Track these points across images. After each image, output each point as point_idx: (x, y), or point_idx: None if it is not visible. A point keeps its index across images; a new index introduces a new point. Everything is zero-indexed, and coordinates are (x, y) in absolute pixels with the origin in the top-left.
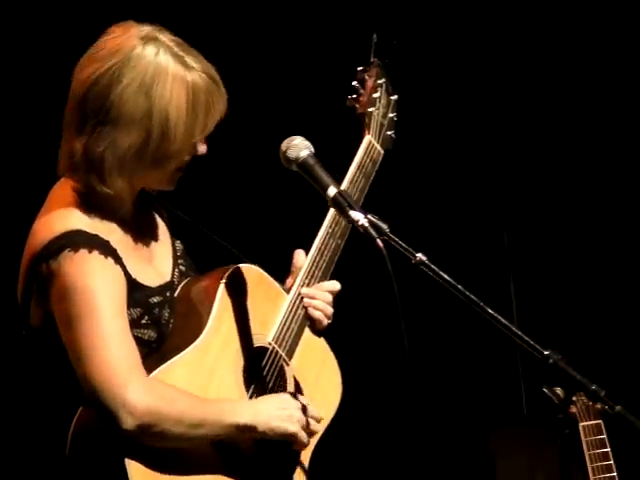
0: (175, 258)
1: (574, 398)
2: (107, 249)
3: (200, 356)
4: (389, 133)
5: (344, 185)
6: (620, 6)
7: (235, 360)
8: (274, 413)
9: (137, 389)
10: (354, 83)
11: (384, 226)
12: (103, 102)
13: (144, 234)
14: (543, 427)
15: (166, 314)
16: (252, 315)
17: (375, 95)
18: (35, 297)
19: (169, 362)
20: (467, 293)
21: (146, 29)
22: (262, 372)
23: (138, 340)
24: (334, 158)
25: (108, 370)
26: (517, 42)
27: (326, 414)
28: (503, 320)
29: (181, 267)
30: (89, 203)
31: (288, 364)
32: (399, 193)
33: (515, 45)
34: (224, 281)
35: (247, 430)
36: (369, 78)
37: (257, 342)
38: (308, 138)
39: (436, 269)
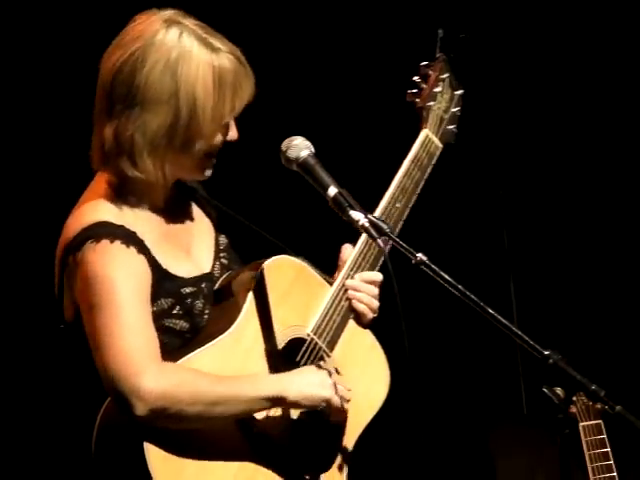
0: (217, 251)
1: (574, 398)
2: (131, 239)
3: (232, 344)
4: (450, 127)
5: (398, 177)
6: (620, 6)
7: (269, 350)
8: (304, 381)
9: (151, 376)
10: (415, 78)
11: (384, 226)
12: (129, 87)
13: (182, 226)
14: (543, 427)
15: (199, 304)
16: (290, 306)
17: (436, 89)
18: (65, 290)
19: (200, 349)
20: (467, 293)
21: (168, 13)
22: (298, 363)
23: (170, 330)
24: (394, 150)
25: (125, 359)
26: (518, 42)
27: (369, 409)
28: (503, 320)
29: (223, 260)
30: (121, 194)
31: (329, 356)
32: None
33: (515, 45)
34: (261, 271)
35: (275, 402)
36: (432, 73)
37: (295, 333)
38: (365, 131)
39: (436, 269)
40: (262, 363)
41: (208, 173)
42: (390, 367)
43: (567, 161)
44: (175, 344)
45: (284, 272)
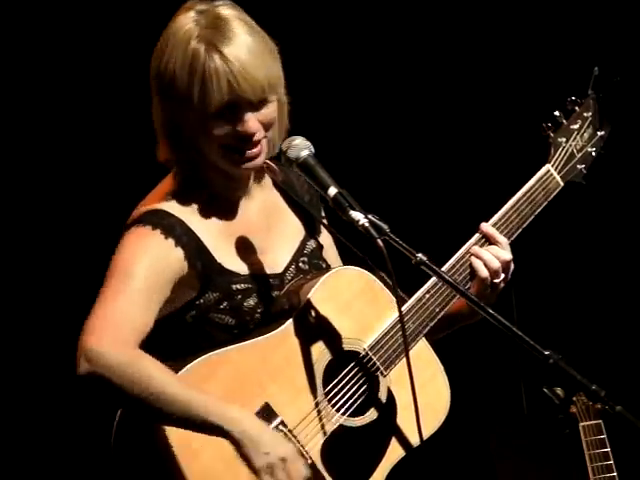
0: (298, 254)
1: (574, 398)
2: (174, 230)
3: (274, 346)
4: (580, 167)
5: (503, 210)
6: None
7: (318, 356)
8: (258, 436)
9: (110, 345)
10: (556, 112)
11: (384, 226)
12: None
13: (262, 225)
14: (543, 427)
15: (251, 302)
16: (350, 318)
17: (573, 126)
18: None
19: (240, 344)
20: (467, 293)
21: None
22: (345, 375)
23: (216, 324)
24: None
25: (101, 322)
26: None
27: (425, 429)
28: (503, 320)
29: (301, 265)
30: (189, 185)
31: (384, 375)
32: (399, 193)
33: (511, 45)
34: (323, 279)
35: (217, 431)
36: (577, 109)
37: (350, 345)
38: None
39: (436, 269)
40: (300, 370)
41: (245, 166)
42: None
43: (539, 153)
44: (222, 338)
45: (349, 283)
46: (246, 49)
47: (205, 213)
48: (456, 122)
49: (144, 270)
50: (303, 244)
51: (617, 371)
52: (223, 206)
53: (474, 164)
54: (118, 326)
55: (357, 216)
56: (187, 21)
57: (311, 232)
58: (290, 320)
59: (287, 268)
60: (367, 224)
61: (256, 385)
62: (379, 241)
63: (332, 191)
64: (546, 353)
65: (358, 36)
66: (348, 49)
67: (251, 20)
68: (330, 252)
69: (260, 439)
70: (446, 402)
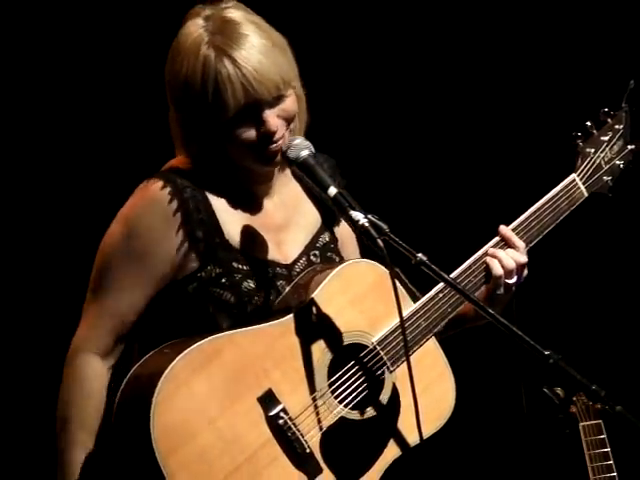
0: (310, 247)
1: (574, 398)
2: (183, 192)
3: (281, 333)
4: (606, 179)
5: (523, 216)
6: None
7: (324, 347)
8: None
9: (79, 354)
10: (587, 122)
11: (384, 226)
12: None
13: (280, 215)
14: (543, 427)
15: (251, 284)
16: (361, 311)
17: (603, 138)
18: None
19: (246, 328)
20: (467, 293)
21: (199, 10)
22: (351, 368)
23: (215, 299)
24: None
25: (83, 324)
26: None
27: (425, 428)
28: (503, 320)
29: (313, 258)
30: (208, 169)
31: (390, 371)
32: (399, 193)
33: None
34: (337, 270)
35: None
36: (609, 120)
37: (358, 339)
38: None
39: (436, 269)
40: (306, 360)
41: (272, 162)
42: None
43: (566, 160)
44: (221, 316)
45: (362, 276)
46: (256, 50)
47: (226, 193)
48: (485, 126)
49: (132, 256)
50: (317, 237)
51: (617, 371)
52: (244, 197)
53: (501, 169)
54: (100, 324)
55: (357, 216)
56: (195, 28)
57: (328, 224)
58: (299, 309)
59: (297, 260)
60: (367, 224)
61: (260, 371)
62: (379, 241)
63: (332, 191)
64: (546, 353)
65: (363, 35)
66: (352, 49)
67: (259, 18)
68: (348, 244)
69: None
70: (450, 403)
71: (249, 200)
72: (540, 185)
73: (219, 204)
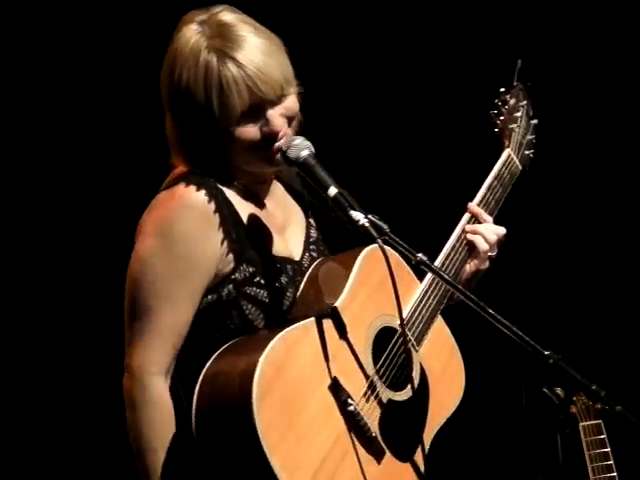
0: (307, 243)
1: (574, 398)
2: (216, 193)
3: (325, 325)
4: (527, 152)
5: (482, 191)
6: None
7: (366, 334)
8: None
9: (144, 375)
10: (496, 101)
11: (384, 226)
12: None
13: (279, 214)
14: (543, 427)
15: (283, 281)
16: (386, 295)
17: (517, 114)
18: None
19: (296, 325)
20: (467, 293)
21: (193, 15)
22: (390, 352)
23: (251, 298)
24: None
25: (139, 344)
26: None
27: (446, 408)
28: (503, 320)
29: (312, 253)
30: (210, 172)
31: (417, 350)
32: (399, 193)
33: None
34: (361, 259)
35: None
36: (510, 99)
37: (388, 322)
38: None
39: (436, 269)
40: (353, 349)
41: (275, 160)
42: None
43: (566, 161)
44: (256, 315)
45: (379, 261)
46: (258, 51)
47: (236, 194)
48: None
49: (181, 270)
50: (308, 232)
51: (617, 371)
52: (251, 198)
53: (436, 160)
54: (161, 343)
55: (357, 216)
56: (191, 34)
57: (307, 217)
58: (333, 305)
59: (302, 257)
60: (367, 224)
61: (323, 362)
62: (379, 241)
63: (332, 191)
64: (546, 353)
65: (357, 35)
66: (346, 48)
67: (253, 20)
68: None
69: None
70: (462, 376)
71: (256, 201)
72: (475, 169)
73: (238, 205)
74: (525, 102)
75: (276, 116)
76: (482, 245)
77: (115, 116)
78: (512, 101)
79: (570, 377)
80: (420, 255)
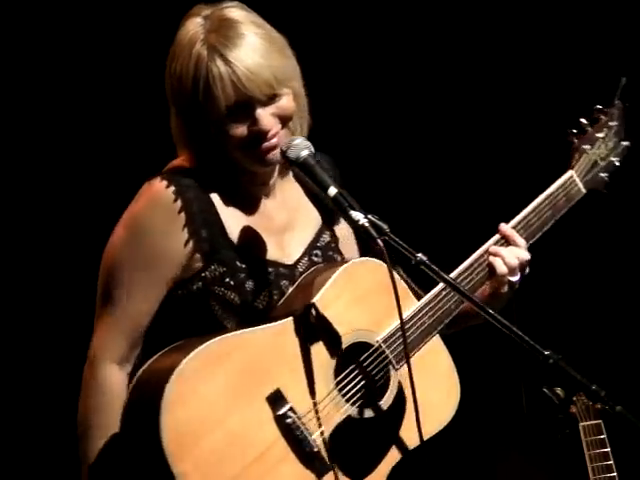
0: (311, 247)
1: (574, 398)
2: (187, 192)
3: (290, 331)
4: (603, 175)
5: (523, 213)
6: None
7: (331, 346)
8: None
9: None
10: (582, 119)
11: (384, 226)
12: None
13: (282, 215)
14: (543, 427)
15: (255, 284)
16: (365, 310)
17: (599, 135)
18: None
19: (253, 328)
20: (467, 293)
21: (199, 10)
22: (357, 367)
23: (220, 299)
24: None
25: (99, 333)
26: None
27: (429, 427)
28: (503, 320)
29: (314, 257)
30: (210, 169)
31: (396, 369)
32: (399, 193)
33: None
34: (342, 269)
35: None
36: (603, 117)
37: (364, 337)
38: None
39: (436, 269)
40: (313, 359)
41: (265, 160)
42: None
43: (562, 159)
44: (225, 315)
45: (366, 274)
46: (250, 49)
47: (228, 193)
48: (482, 125)
49: (141, 263)
50: (318, 236)
51: (617, 371)
52: (245, 199)
53: (498, 168)
54: (116, 331)
55: (357, 216)
56: (193, 26)
57: (328, 223)
58: (305, 309)
59: (299, 260)
60: (367, 224)
61: (269, 371)
62: (379, 241)
63: (332, 191)
64: (546, 353)
65: (362, 35)
66: (351, 49)
67: (259, 18)
68: (348, 243)
69: None
70: (455, 401)
71: (250, 201)
72: (537, 183)
73: (222, 204)
74: (616, 123)
75: (265, 115)
76: (500, 268)
77: (117, 115)
78: (602, 120)
79: (570, 377)
80: (420, 255)
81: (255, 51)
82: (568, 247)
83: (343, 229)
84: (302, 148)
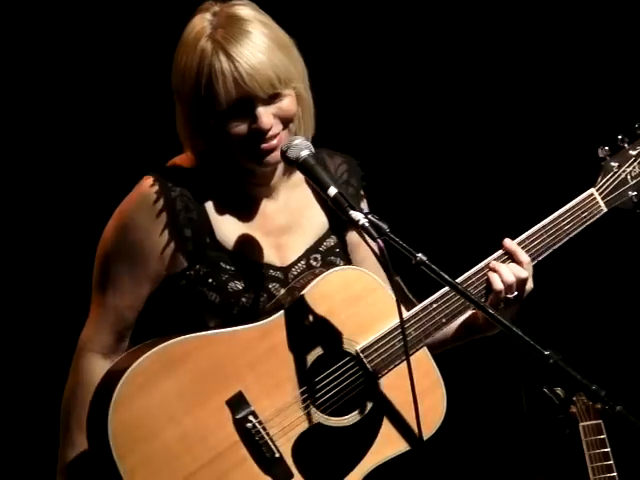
0: (310, 251)
1: (574, 398)
2: (172, 190)
3: (259, 336)
4: (632, 194)
5: (532, 229)
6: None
7: (305, 352)
8: None
9: (86, 355)
10: (619, 136)
11: (384, 226)
12: None
13: (282, 217)
14: (543, 427)
15: (238, 286)
16: (348, 318)
17: (632, 152)
18: None
19: (226, 329)
20: (467, 293)
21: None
22: (332, 374)
23: (202, 298)
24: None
25: (88, 326)
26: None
27: (397, 445)
28: (504, 320)
29: (312, 261)
30: (208, 167)
31: (377, 379)
32: (399, 193)
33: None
34: (323, 276)
35: None
36: None
37: (342, 345)
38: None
39: (436, 269)
40: (284, 364)
41: (264, 160)
42: None
43: (566, 160)
44: (208, 315)
45: (350, 283)
46: (254, 47)
47: (223, 193)
48: (498, 135)
49: (126, 258)
50: (320, 241)
51: (617, 371)
52: (243, 199)
53: (522, 179)
54: (102, 323)
55: (357, 216)
56: (201, 22)
57: (336, 228)
58: (281, 312)
59: (295, 263)
60: (367, 224)
61: (233, 373)
62: (379, 241)
63: (332, 191)
64: (546, 353)
65: (368, 38)
66: (355, 52)
67: (268, 18)
68: (360, 249)
69: None
70: (440, 413)
71: (249, 202)
72: (562, 197)
73: (214, 204)
74: None
75: (266, 114)
76: (496, 284)
77: (120, 114)
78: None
79: (570, 377)
80: (420, 255)
81: (259, 49)
82: (568, 247)
83: (355, 235)
84: (302, 148)
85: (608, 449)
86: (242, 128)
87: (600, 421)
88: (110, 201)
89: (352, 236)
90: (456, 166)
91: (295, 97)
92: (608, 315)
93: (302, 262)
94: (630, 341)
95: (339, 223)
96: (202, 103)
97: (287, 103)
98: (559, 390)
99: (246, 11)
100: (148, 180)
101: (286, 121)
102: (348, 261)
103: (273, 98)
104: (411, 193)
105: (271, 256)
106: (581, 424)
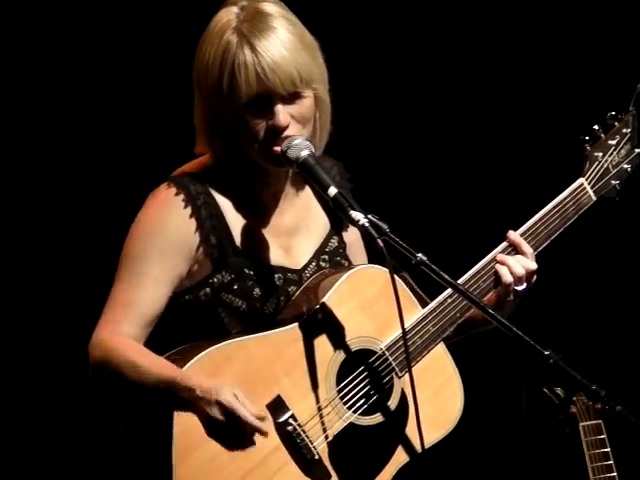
0: (319, 252)
1: (574, 398)
2: (197, 198)
3: (290, 340)
4: (614, 182)
5: (532, 221)
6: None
7: (333, 353)
8: (202, 380)
9: (108, 337)
10: (595, 126)
11: (384, 226)
12: None
13: (291, 220)
14: (543, 427)
15: (262, 290)
16: (369, 317)
17: (611, 142)
18: None
19: (257, 335)
20: (467, 293)
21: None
22: (360, 374)
23: (227, 305)
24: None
25: (107, 312)
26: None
27: (434, 433)
28: (503, 320)
29: (322, 262)
30: (223, 170)
31: (399, 376)
32: (399, 193)
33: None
34: (346, 276)
35: (169, 384)
36: (616, 124)
37: (367, 344)
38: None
39: (436, 269)
40: (315, 366)
41: (277, 160)
42: None
43: (566, 161)
44: (232, 322)
45: (371, 282)
46: (279, 43)
47: (236, 197)
48: (491, 130)
49: (155, 252)
50: (326, 241)
51: (617, 371)
52: (255, 202)
53: (508, 173)
54: (123, 315)
55: (357, 216)
56: (227, 15)
57: (337, 228)
58: (308, 316)
59: (307, 265)
60: (367, 224)
61: (270, 377)
62: (379, 241)
63: (332, 191)
64: (546, 353)
65: (369, 38)
66: (357, 52)
67: (293, 16)
68: (356, 249)
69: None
70: (458, 408)
71: (259, 204)
72: (547, 189)
73: (228, 209)
74: (630, 130)
75: (284, 112)
76: (506, 277)
77: (124, 114)
78: (616, 127)
79: (570, 377)
80: (420, 255)
81: (283, 45)
82: (568, 247)
83: (351, 235)
84: (302, 148)
85: (608, 449)
86: (259, 124)
87: (600, 421)
88: (113, 201)
89: (348, 236)
90: (447, 165)
91: (314, 100)
92: (608, 315)
93: (313, 264)
94: (630, 341)
95: (338, 223)
96: (223, 95)
97: (305, 104)
98: (559, 390)
99: (273, 8)
100: (172, 188)
101: (302, 122)
102: (349, 261)
103: (293, 98)
104: (406, 193)
105: (284, 259)
106: (581, 424)
